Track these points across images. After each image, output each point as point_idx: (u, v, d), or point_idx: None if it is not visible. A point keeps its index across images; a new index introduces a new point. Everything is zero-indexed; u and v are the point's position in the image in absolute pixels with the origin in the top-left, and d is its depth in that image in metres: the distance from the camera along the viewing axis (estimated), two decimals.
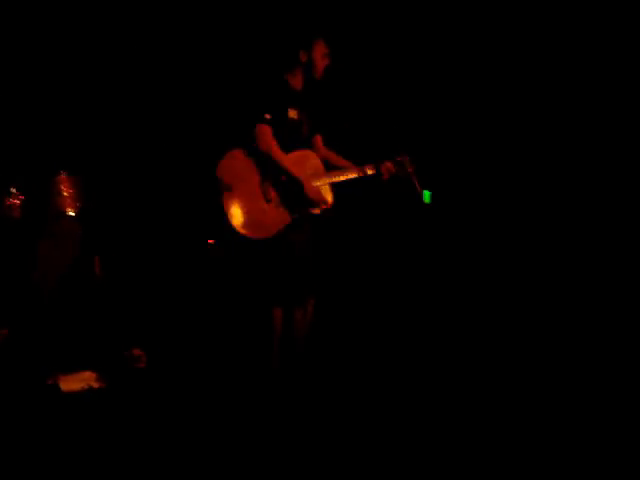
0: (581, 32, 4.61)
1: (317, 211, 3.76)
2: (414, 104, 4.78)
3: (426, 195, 3.96)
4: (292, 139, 3.76)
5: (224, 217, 3.61)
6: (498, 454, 3.13)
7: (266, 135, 3.65)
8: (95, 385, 3.85)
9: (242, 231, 3.61)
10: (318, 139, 3.99)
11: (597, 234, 4.64)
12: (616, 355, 4.13)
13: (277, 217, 3.68)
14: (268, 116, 3.66)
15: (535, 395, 3.73)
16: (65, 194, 4.28)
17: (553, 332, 4.45)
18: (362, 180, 3.88)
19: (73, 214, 4.31)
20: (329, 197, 3.80)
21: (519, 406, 3.61)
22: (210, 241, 4.42)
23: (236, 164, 3.69)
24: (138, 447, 3.19)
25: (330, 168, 3.89)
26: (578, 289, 4.62)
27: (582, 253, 4.69)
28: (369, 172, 3.88)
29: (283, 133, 3.71)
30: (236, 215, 3.62)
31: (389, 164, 3.87)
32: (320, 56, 3.81)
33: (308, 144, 3.88)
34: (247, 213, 3.64)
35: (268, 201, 3.67)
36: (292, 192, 3.69)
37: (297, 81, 3.87)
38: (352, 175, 3.87)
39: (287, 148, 3.72)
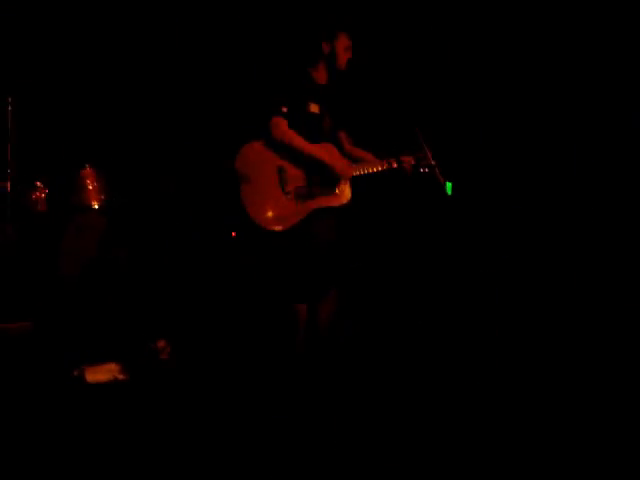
0: (586, 31, 4.58)
1: (335, 204, 3.77)
2: (435, 98, 4.77)
3: (448, 187, 3.95)
4: (313, 133, 3.74)
5: (243, 209, 3.61)
6: (498, 454, 3.14)
7: (280, 126, 3.64)
8: (120, 377, 3.89)
9: (260, 223, 3.60)
10: (341, 134, 3.98)
11: (601, 234, 4.62)
12: (616, 355, 4.12)
13: (295, 209, 3.67)
14: (284, 109, 3.65)
15: (535, 395, 3.73)
16: (89, 187, 4.32)
17: (555, 332, 4.45)
18: (384, 174, 3.88)
19: (97, 207, 4.36)
20: (347, 191, 3.80)
21: (519, 406, 3.61)
22: (233, 234, 4.44)
23: (254, 156, 3.68)
24: (161, 439, 3.22)
25: (352, 162, 3.89)
26: (580, 288, 4.61)
27: (584, 251, 4.68)
28: (391, 166, 3.88)
29: (304, 127, 3.71)
30: (254, 207, 3.61)
31: (411, 158, 3.87)
32: (343, 49, 3.79)
33: (330, 139, 3.86)
34: (265, 205, 3.62)
35: (286, 193, 3.67)
36: (311, 180, 3.70)
37: (320, 75, 3.86)
38: (373, 169, 3.85)
39: (308, 141, 3.72)
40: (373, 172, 3.86)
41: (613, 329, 4.32)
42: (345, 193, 3.78)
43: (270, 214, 3.62)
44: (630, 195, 4.59)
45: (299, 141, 3.67)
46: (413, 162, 3.87)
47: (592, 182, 4.70)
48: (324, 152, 3.75)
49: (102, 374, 3.87)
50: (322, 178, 3.74)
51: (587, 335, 4.33)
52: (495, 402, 3.65)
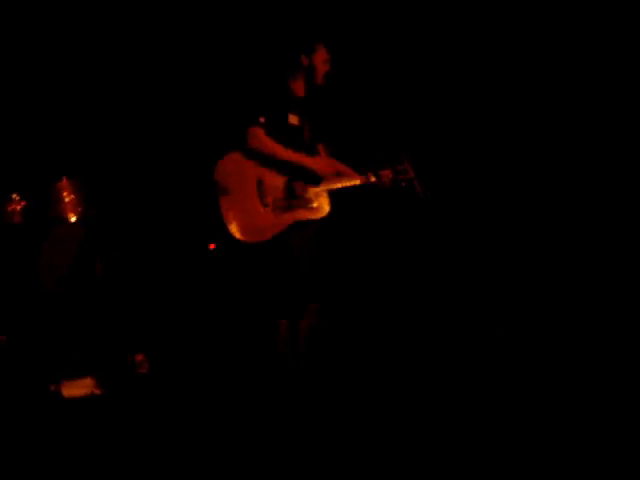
0: (581, 32, 4.60)
1: (314, 217, 3.76)
2: (415, 111, 4.78)
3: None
4: (293, 145, 3.73)
5: (221, 221, 3.60)
6: (498, 454, 3.15)
7: (257, 135, 3.63)
8: (97, 391, 3.87)
9: (238, 235, 3.59)
10: (320, 147, 3.98)
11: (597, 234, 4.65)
12: (616, 355, 4.14)
13: (273, 221, 3.65)
14: (262, 119, 3.65)
15: (535, 395, 3.75)
16: (66, 199, 4.29)
17: (554, 332, 4.47)
18: (362, 187, 3.87)
19: (74, 219, 4.32)
20: (326, 204, 3.79)
21: (519, 407, 3.63)
22: (211, 246, 4.42)
23: (233, 167, 3.66)
24: (139, 453, 3.20)
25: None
26: (579, 288, 4.63)
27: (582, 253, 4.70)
28: (369, 180, 3.86)
29: (283, 139, 3.70)
30: (232, 219, 3.60)
31: (389, 171, 3.86)
32: (321, 62, 3.79)
33: (310, 151, 3.86)
34: (243, 217, 3.61)
35: (265, 205, 3.66)
36: (290, 193, 3.69)
37: (298, 87, 3.85)
38: (351, 182, 3.84)
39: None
40: (349, 186, 3.85)
41: (613, 329, 4.35)
42: (324, 206, 3.78)
43: (247, 226, 3.61)
44: (629, 196, 4.62)
45: (276, 147, 3.66)
46: (391, 176, 3.87)
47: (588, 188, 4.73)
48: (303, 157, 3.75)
49: (79, 389, 3.85)
50: (302, 186, 3.73)
51: (587, 335, 4.35)
52: (495, 403, 3.67)
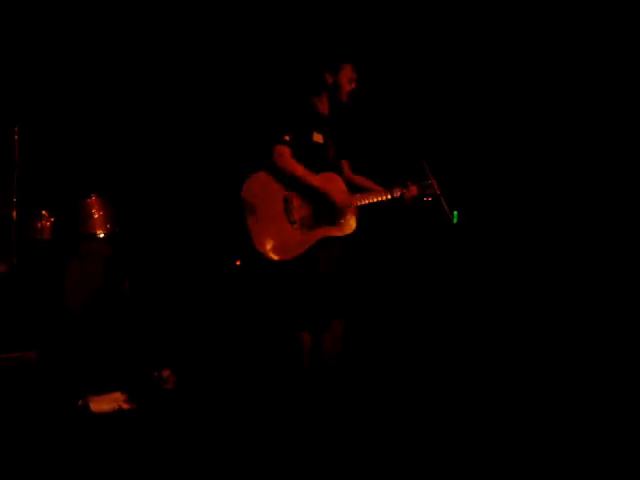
0: (581, 32, 4.60)
1: (341, 233, 3.76)
2: (440, 128, 4.79)
3: (454, 215, 3.95)
4: (317, 162, 3.75)
5: (248, 239, 3.61)
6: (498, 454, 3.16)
7: (283, 155, 3.65)
8: (125, 406, 3.88)
9: (265, 253, 3.60)
10: (344, 164, 3.99)
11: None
12: (616, 355, 4.14)
13: (300, 238, 3.66)
14: (287, 138, 3.66)
15: (535, 398, 3.77)
16: (95, 216, 4.34)
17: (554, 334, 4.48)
18: (387, 203, 3.88)
19: (103, 236, 4.37)
20: (352, 221, 3.80)
21: (519, 409, 3.64)
22: (237, 262, 4.45)
23: (260, 186, 3.68)
24: (166, 469, 3.21)
25: (355, 192, 3.88)
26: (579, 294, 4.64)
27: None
28: (394, 196, 3.87)
29: (308, 156, 3.71)
30: (259, 237, 3.60)
31: (414, 188, 3.87)
32: (346, 80, 3.80)
33: (334, 168, 3.87)
34: (270, 234, 3.62)
35: (292, 223, 3.67)
36: (317, 210, 3.70)
37: (323, 105, 3.87)
38: (376, 199, 3.85)
39: (312, 171, 3.72)
40: (375, 202, 3.86)
41: (613, 330, 4.34)
42: (350, 223, 3.79)
43: (275, 244, 3.62)
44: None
45: (301, 171, 3.68)
46: (416, 191, 3.87)
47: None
48: (326, 182, 3.76)
49: (107, 404, 3.87)
50: (327, 208, 3.74)
51: (587, 337, 4.35)
52: (496, 406, 3.68)
